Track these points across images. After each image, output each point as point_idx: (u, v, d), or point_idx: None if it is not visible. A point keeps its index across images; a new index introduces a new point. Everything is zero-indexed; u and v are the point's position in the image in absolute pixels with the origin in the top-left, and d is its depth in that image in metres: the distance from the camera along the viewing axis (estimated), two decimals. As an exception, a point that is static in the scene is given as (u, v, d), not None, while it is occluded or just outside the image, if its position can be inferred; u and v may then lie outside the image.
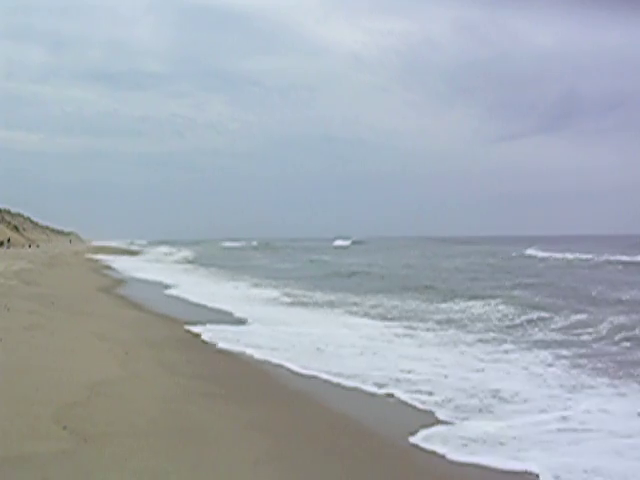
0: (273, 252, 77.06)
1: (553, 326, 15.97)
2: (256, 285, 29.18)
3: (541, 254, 49.07)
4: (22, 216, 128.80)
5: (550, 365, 11.61)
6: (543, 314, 17.42)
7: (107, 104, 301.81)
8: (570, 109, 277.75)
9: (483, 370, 11.21)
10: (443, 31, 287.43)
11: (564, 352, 12.66)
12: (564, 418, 8.30)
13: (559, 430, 7.88)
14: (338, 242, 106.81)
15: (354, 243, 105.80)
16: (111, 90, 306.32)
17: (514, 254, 52.21)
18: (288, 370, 11.24)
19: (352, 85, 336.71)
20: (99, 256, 64.66)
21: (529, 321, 16.85)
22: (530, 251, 53.13)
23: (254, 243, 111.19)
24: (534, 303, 19.60)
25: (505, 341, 14.22)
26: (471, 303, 20.30)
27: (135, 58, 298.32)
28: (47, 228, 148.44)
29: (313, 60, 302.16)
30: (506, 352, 12.95)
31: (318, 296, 23.75)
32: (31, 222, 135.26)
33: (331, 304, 21.42)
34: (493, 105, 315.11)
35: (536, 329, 15.82)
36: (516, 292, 23.01)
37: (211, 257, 63.77)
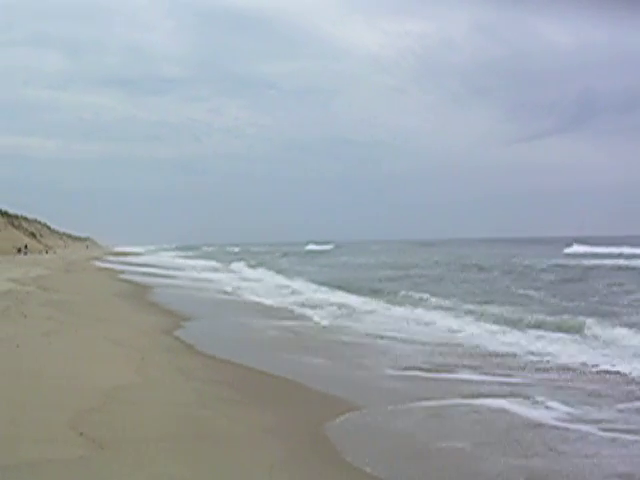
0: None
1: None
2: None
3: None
4: (39, 222, 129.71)
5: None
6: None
7: (125, 110, 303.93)
8: (589, 109, 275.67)
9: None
10: (460, 31, 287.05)
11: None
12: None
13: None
14: (311, 247, 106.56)
15: (337, 247, 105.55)
16: (129, 96, 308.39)
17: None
18: (307, 374, 11.22)
19: (369, 87, 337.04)
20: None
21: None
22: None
23: (236, 249, 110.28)
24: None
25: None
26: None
27: (153, 63, 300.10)
28: (64, 234, 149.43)
29: (330, 63, 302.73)
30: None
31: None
32: (48, 228, 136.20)
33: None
34: (510, 105, 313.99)
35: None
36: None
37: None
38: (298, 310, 21.18)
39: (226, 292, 28.46)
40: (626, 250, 54.07)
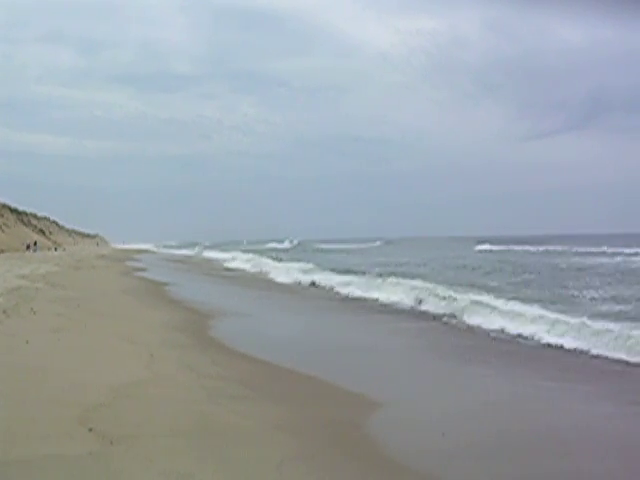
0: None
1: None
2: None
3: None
4: (48, 219, 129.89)
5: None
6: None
7: (136, 107, 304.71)
8: (599, 106, 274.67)
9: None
10: (471, 29, 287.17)
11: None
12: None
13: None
14: (272, 244, 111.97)
15: (300, 244, 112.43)
16: (140, 92, 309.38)
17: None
18: (315, 371, 11.21)
19: (380, 85, 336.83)
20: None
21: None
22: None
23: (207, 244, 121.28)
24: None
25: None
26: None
27: (165, 60, 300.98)
28: (73, 231, 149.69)
29: (341, 60, 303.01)
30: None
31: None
32: (57, 225, 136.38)
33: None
34: (521, 103, 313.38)
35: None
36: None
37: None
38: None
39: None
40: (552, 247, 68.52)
